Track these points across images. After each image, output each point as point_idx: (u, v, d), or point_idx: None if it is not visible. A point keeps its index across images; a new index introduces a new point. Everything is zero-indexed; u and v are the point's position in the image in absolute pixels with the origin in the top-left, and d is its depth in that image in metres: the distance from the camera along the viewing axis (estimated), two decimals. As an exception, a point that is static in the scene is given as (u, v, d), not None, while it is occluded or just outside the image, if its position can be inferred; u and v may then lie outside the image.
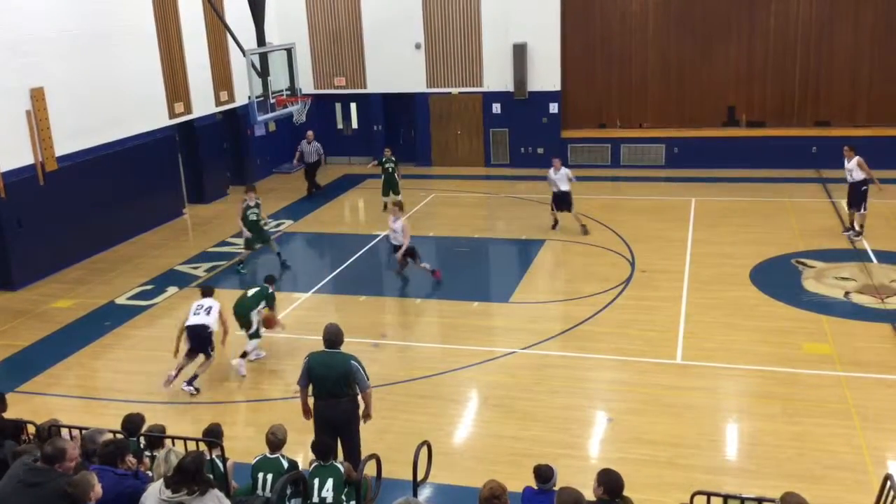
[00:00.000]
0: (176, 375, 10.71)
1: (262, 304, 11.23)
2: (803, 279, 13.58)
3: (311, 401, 8.02)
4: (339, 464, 6.74)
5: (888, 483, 6.19)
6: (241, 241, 15.61)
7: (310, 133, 20.21)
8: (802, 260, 14.43)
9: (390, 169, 18.69)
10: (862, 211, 15.33)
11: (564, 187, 16.44)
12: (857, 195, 15.32)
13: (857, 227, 15.41)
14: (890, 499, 6.06)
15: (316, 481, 6.51)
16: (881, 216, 16.38)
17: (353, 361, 7.79)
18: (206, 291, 11.25)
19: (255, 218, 14.94)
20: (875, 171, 19.19)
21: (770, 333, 11.57)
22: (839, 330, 11.55)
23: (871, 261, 14.24)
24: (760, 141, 21.13)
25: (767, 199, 18.56)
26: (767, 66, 21.28)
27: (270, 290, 11.41)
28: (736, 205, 18.21)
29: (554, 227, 16.85)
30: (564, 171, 16.45)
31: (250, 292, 11.37)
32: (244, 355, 11.25)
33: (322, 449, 6.72)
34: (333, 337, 7.94)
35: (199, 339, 10.71)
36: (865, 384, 9.98)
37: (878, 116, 20.74)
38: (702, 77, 21.71)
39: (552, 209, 16.79)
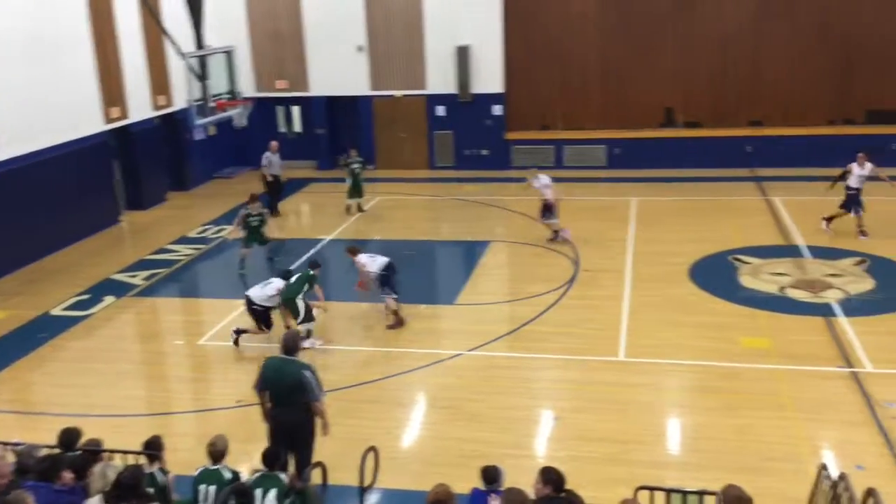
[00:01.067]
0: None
1: (306, 287, 11.57)
2: (740, 275, 13.91)
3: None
4: (282, 473, 6.64)
5: (822, 472, 6.39)
6: (180, 247, 15.45)
7: (274, 143, 19.14)
8: (739, 257, 14.78)
9: (357, 170, 18.47)
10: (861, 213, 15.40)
11: (547, 196, 15.75)
12: (856, 199, 15.38)
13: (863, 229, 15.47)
14: (824, 488, 6.25)
15: (259, 491, 6.42)
16: (815, 213, 16.87)
17: (305, 372, 7.71)
18: (284, 275, 11.90)
19: (256, 224, 15.08)
20: (808, 169, 19.88)
21: (709, 329, 11.83)
22: (775, 324, 11.87)
23: (805, 256, 14.65)
24: (697, 141, 21.58)
25: (705, 197, 18.96)
26: (703, 67, 21.73)
27: (313, 273, 11.77)
28: (675, 204, 18.57)
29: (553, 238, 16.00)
30: (543, 178, 15.78)
31: (293, 279, 11.67)
32: (309, 334, 11.61)
33: (270, 458, 6.62)
34: (290, 343, 7.88)
35: (249, 310, 11.64)
36: (801, 377, 10.27)
37: (810, 116, 21.35)
38: (640, 79, 22.05)
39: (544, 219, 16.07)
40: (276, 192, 19.18)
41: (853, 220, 15.51)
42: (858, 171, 15.37)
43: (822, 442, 8.92)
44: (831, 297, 12.72)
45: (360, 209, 18.86)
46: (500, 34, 21.82)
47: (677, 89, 21.97)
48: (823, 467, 6.43)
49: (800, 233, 15.87)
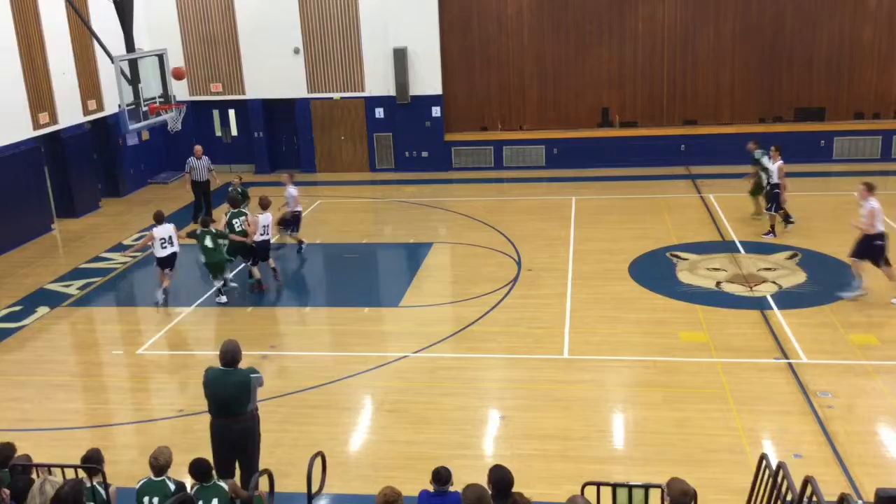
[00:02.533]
0: (165, 298, 13.57)
1: (226, 240, 13.65)
2: (678, 271, 14.20)
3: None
4: (223, 482, 6.50)
5: (763, 462, 6.56)
6: (116, 255, 15.53)
7: (198, 148, 18.67)
8: (676, 253, 15.10)
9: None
10: (774, 212, 15.43)
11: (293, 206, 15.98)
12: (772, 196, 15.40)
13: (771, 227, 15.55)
14: (766, 477, 6.42)
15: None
16: (749, 209, 17.31)
17: (252, 376, 7.58)
18: (159, 217, 13.67)
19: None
20: (741, 167, 20.24)
21: (649, 325, 12.05)
22: (712, 318, 12.15)
23: (739, 251, 15.05)
24: (633, 140, 21.97)
25: (642, 195, 19.32)
26: (637, 68, 22.15)
27: (215, 230, 13.56)
28: (613, 202, 18.86)
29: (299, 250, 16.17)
30: (292, 189, 15.86)
31: (223, 243, 13.55)
32: (225, 284, 13.81)
33: (199, 470, 6.43)
34: (229, 356, 7.60)
35: (170, 262, 13.62)
36: (738, 369, 10.53)
37: (741, 115, 21.95)
38: (576, 79, 22.36)
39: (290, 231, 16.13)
40: (203, 196, 18.72)
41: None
42: (770, 165, 15.50)
43: (761, 432, 9.15)
44: (766, 290, 13.08)
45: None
46: (436, 36, 21.86)
47: (613, 90, 22.34)
48: (764, 457, 6.60)
49: (734, 228, 16.27)
